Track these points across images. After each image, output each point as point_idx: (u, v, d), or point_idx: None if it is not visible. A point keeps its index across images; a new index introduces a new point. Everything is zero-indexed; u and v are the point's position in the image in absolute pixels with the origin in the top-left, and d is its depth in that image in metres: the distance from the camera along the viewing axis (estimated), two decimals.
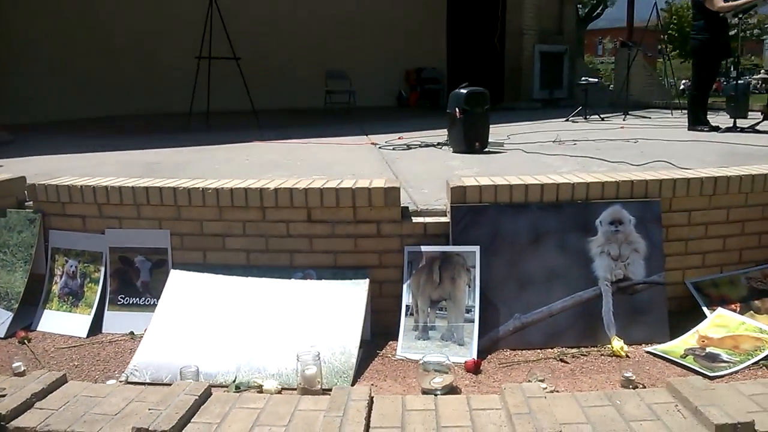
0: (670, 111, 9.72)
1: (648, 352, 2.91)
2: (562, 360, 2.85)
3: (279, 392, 2.61)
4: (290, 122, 8.97)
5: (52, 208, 3.39)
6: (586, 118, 8.81)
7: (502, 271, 3.02)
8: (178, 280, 3.16)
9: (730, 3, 6.23)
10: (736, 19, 6.34)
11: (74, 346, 3.11)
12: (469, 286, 2.96)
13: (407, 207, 3.20)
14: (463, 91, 5.19)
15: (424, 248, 3.04)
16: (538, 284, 3.02)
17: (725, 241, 3.26)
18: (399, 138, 6.46)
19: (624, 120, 8.56)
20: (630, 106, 10.01)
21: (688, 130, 6.77)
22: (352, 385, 2.66)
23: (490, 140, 5.83)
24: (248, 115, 8.32)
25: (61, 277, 3.37)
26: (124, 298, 3.28)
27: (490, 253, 3.01)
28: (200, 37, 7.90)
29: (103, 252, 3.31)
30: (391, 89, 13.60)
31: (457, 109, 5.16)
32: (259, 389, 2.62)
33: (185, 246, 3.20)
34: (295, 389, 2.60)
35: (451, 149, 5.38)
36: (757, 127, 6.58)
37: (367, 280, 3.04)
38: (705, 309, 3.15)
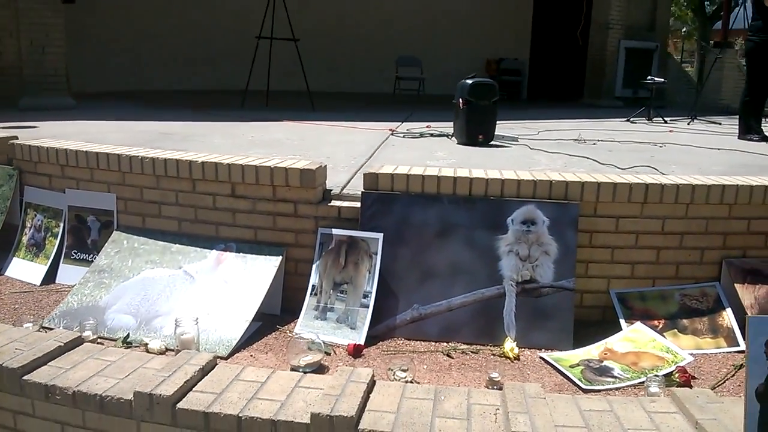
0: None
1: (542, 358, 2.82)
2: (448, 355, 2.83)
3: (163, 352, 2.77)
4: (345, 105, 9.12)
5: (27, 167, 3.73)
6: (649, 120, 8.36)
7: (406, 261, 3.02)
8: (116, 241, 3.40)
9: None
10: None
11: (25, 292, 3.43)
12: (370, 272, 2.99)
13: (330, 190, 3.26)
14: (469, 81, 5.11)
15: (334, 231, 3.09)
16: (441, 277, 3.00)
17: (659, 253, 3.08)
18: (427, 126, 6.44)
19: (688, 124, 8.05)
20: (713, 110, 9.39)
21: (738, 138, 6.29)
22: (231, 353, 2.78)
23: (511, 134, 5.73)
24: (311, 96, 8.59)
25: (30, 229, 3.71)
26: (77, 253, 3.56)
27: (396, 241, 3.02)
28: (282, 17, 8.26)
29: (63, 209, 3.61)
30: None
31: (460, 100, 5.09)
32: (146, 347, 2.80)
33: (128, 210, 3.44)
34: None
35: (456, 141, 5.32)
36: None
37: (280, 258, 3.14)
38: (622, 321, 3.00)
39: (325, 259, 3.09)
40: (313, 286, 3.08)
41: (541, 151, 4.95)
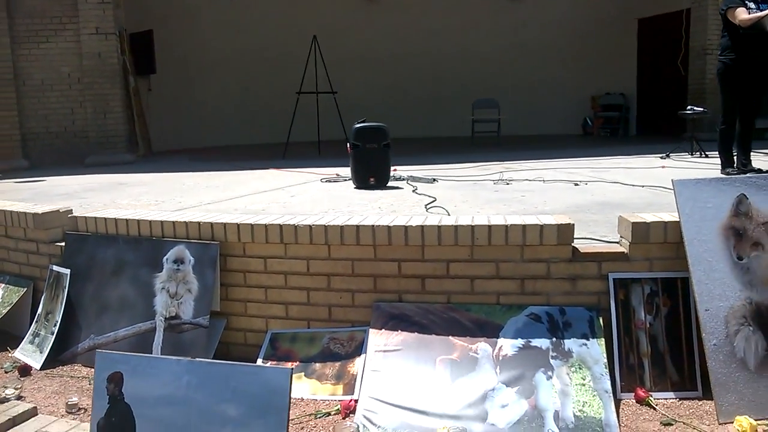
0: None
1: None
2: (89, 381, 3.10)
3: None
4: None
5: None
6: (691, 154, 7.52)
7: (90, 295, 3.35)
8: None
9: (755, 15, 4.94)
10: None
11: None
12: (61, 304, 3.37)
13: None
14: (356, 126, 5.22)
15: (54, 267, 3.53)
16: (113, 311, 3.28)
17: (310, 295, 3.04)
18: (394, 170, 6.53)
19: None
20: None
21: (721, 173, 5.47)
22: None
23: (427, 176, 5.69)
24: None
25: None
26: None
27: (85, 277, 3.37)
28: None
29: None
30: (576, 116, 12.84)
31: (348, 145, 5.22)
32: None
33: None
34: None
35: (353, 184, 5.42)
36: None
37: (25, 289, 3.65)
38: (260, 360, 3.01)
39: (46, 292, 3.53)
40: (38, 314, 3.54)
41: (414, 193, 4.88)
